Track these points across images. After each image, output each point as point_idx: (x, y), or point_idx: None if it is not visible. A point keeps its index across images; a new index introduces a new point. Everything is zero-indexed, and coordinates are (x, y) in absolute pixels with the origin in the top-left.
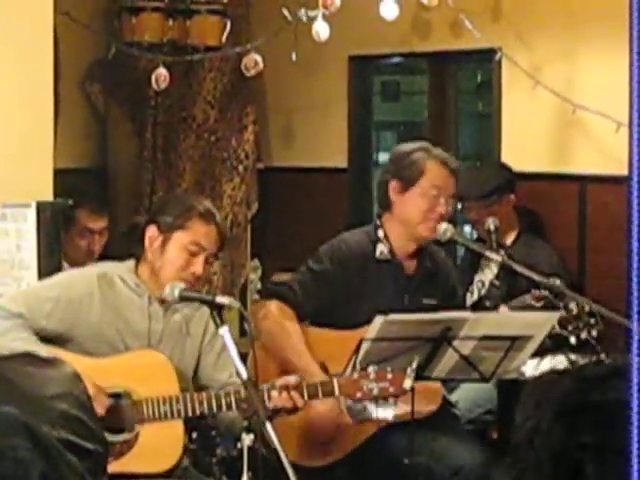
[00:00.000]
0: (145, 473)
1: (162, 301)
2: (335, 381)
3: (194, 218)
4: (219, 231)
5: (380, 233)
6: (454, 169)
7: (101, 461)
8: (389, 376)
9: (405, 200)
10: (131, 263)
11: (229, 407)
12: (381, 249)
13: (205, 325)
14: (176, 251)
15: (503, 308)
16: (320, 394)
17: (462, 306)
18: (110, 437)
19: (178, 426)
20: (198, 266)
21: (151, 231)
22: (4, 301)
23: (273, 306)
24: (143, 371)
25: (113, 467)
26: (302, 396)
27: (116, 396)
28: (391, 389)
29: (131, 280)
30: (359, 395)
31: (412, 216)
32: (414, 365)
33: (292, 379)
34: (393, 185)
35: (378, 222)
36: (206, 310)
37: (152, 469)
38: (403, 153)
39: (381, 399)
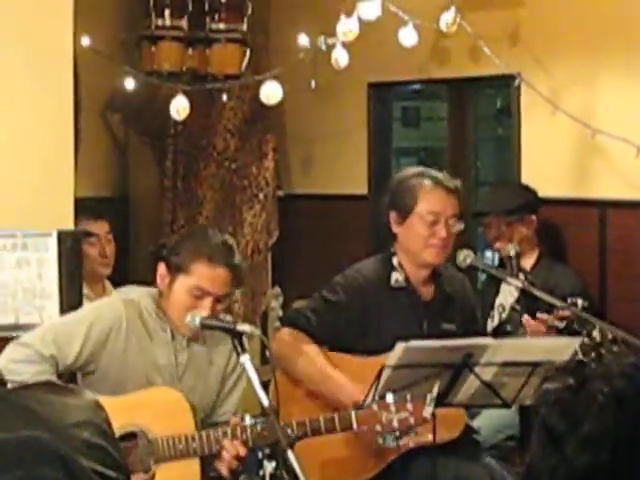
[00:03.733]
0: None
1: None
2: (352, 414)
3: (198, 262)
4: (230, 273)
5: (395, 261)
6: (451, 188)
7: None
8: (409, 406)
9: (405, 230)
10: (155, 291)
11: (245, 444)
12: (396, 277)
13: (229, 354)
14: (181, 294)
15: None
16: (338, 428)
17: (482, 331)
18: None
19: (194, 465)
20: (204, 309)
21: (161, 269)
22: (33, 340)
23: (285, 333)
24: (159, 409)
25: None
26: (245, 443)
27: (132, 435)
28: (411, 419)
29: (154, 311)
30: (378, 428)
31: (414, 244)
32: (434, 392)
33: (234, 420)
34: (392, 217)
35: (392, 250)
36: (229, 339)
37: None
38: (397, 183)
39: (401, 430)
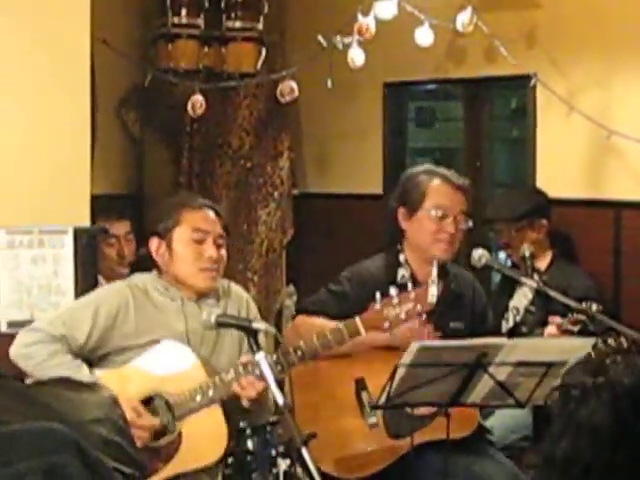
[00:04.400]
0: (199, 468)
1: (198, 297)
2: (357, 319)
3: (183, 211)
4: (215, 212)
5: (401, 257)
6: (459, 185)
7: None
8: (412, 295)
9: (413, 225)
10: (154, 272)
11: (261, 378)
12: (402, 273)
13: (238, 309)
14: (183, 247)
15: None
16: (346, 337)
17: (493, 330)
18: (153, 443)
19: (217, 412)
20: (210, 250)
21: (152, 242)
22: (42, 324)
23: (295, 320)
24: (168, 366)
25: (167, 472)
26: (260, 377)
27: (149, 400)
28: (418, 307)
29: (161, 285)
30: (387, 325)
31: (422, 239)
32: (434, 275)
33: (244, 358)
34: (401, 213)
35: (399, 246)
36: (238, 297)
37: (204, 461)
38: (405, 180)
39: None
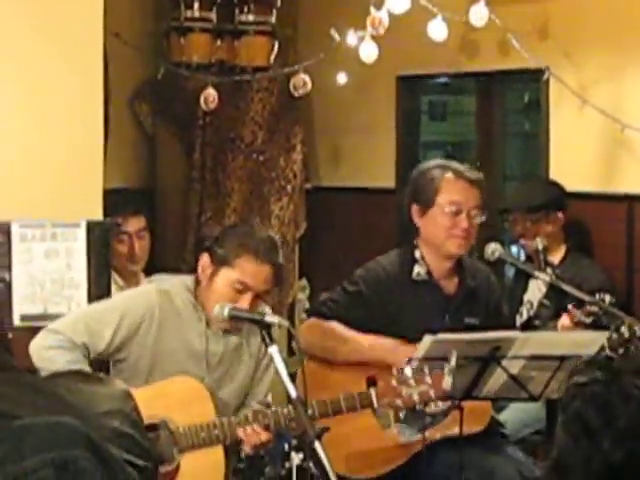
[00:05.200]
0: None
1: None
2: (372, 391)
3: (244, 256)
4: (273, 270)
5: (417, 254)
6: (473, 180)
7: (152, 478)
8: (428, 379)
9: (427, 221)
10: (190, 281)
11: (267, 429)
12: (418, 270)
13: (259, 345)
14: (222, 286)
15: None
16: (358, 406)
17: (508, 324)
18: None
19: (218, 451)
20: (244, 304)
21: (204, 259)
22: (65, 327)
23: (309, 322)
24: (178, 399)
25: None
26: (267, 428)
27: (153, 427)
28: (431, 392)
29: (189, 301)
30: (399, 402)
31: (436, 235)
32: (452, 362)
33: (250, 410)
34: (414, 209)
35: (414, 242)
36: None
37: None
38: (419, 174)
39: (421, 404)
